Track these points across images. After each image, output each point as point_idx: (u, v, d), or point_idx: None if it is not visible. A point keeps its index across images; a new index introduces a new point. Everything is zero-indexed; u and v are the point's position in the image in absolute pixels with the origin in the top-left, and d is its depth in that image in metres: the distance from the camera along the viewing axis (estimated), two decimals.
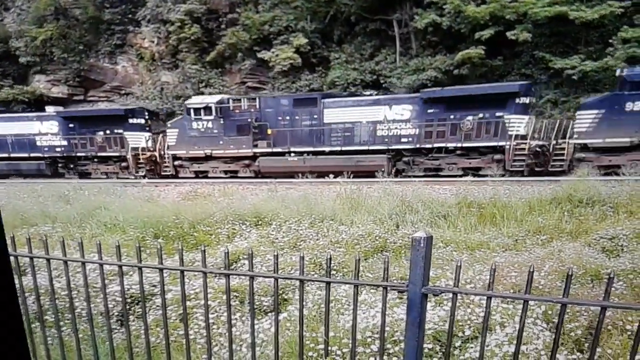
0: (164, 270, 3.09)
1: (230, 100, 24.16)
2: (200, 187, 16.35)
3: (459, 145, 20.08)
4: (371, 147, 21.38)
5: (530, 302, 4.69)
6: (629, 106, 17.47)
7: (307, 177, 17.99)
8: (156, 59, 33.33)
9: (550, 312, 4.81)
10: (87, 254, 3.20)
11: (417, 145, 20.81)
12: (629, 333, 4.31)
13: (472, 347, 4.15)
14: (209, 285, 5.19)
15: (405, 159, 21.35)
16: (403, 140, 21.08)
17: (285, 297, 5.67)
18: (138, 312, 5.16)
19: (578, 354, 4.10)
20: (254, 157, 23.55)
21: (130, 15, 33.43)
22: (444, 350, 4.14)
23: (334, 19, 29.16)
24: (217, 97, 24.90)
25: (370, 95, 24.09)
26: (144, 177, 24.96)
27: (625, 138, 17.52)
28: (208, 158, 24.28)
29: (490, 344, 4.14)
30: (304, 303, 5.05)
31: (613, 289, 5.30)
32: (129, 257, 5.82)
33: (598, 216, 8.95)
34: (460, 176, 18.79)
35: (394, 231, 8.61)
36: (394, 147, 21.19)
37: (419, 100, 20.91)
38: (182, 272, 2.98)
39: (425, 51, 27.73)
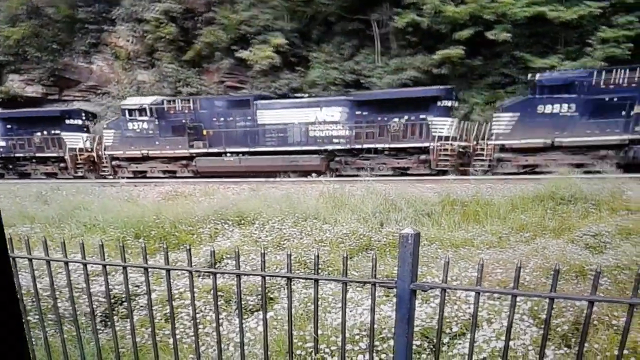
0: (149, 270, 3.05)
1: (165, 102, 24.70)
2: (181, 186, 16.24)
3: (387, 146, 21.08)
4: (304, 148, 22.14)
5: (517, 298, 4.78)
6: (540, 109, 18.87)
7: (289, 176, 18.08)
8: (132, 57, 33.09)
9: (536, 308, 4.86)
10: (68, 255, 3.15)
11: (348, 146, 21.68)
12: (615, 328, 4.40)
13: (460, 344, 4.18)
14: (194, 284, 5.18)
15: (337, 158, 22.23)
16: (335, 141, 21.94)
17: (271, 296, 5.64)
18: (122, 312, 5.11)
19: (565, 348, 4.15)
20: (190, 157, 24.12)
21: (105, 14, 33.08)
22: (432, 347, 4.18)
23: (312, 18, 29.19)
24: (152, 98, 25.42)
25: (302, 97, 24.99)
26: (82, 177, 25.59)
27: (539, 139, 18.78)
28: (146, 158, 24.77)
29: (478, 340, 4.18)
30: (292, 301, 5.08)
31: (600, 284, 5.41)
32: (110, 257, 5.75)
33: (581, 213, 9.07)
34: (390, 175, 19.92)
35: (378, 229, 8.64)
36: (326, 147, 21.94)
37: (349, 103, 21.85)
38: (167, 271, 2.96)
39: (405, 51, 27.82)
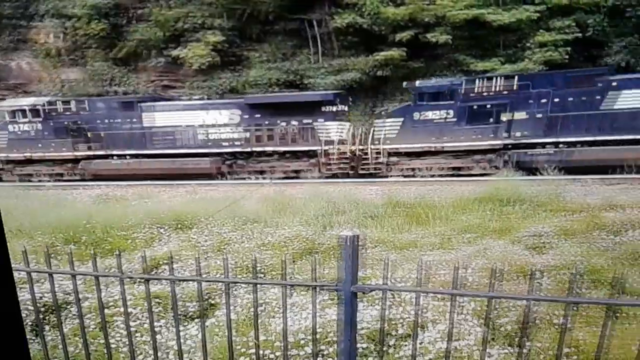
0: (78, 277, 2.94)
1: (46, 103, 24.21)
2: (113, 189, 15.76)
3: (275, 149, 21.59)
4: (193, 151, 22.31)
5: (461, 298, 4.91)
6: (419, 115, 20.38)
7: (226, 179, 17.96)
8: (62, 54, 31.93)
9: (480, 308, 5.00)
10: None
11: (239, 149, 22.02)
12: (557, 326, 4.57)
13: (406, 345, 4.25)
14: (130, 292, 5.02)
15: (228, 162, 22.41)
16: (225, 144, 22.21)
17: (213, 302, 5.55)
18: (54, 321, 4.88)
19: (509, 348, 4.29)
20: (76, 160, 23.77)
21: (31, 10, 31.91)
22: (379, 349, 4.22)
23: (250, 16, 29.04)
24: (31, 100, 25.03)
25: (192, 99, 25.42)
26: None
27: (421, 144, 20.03)
28: (31, 161, 24.19)
29: (423, 341, 4.25)
30: (233, 307, 5.01)
31: (540, 284, 5.63)
32: (38, 264, 5.50)
33: (522, 214, 9.40)
34: (284, 178, 20.43)
35: (322, 233, 8.67)
36: (216, 150, 22.18)
37: (240, 106, 22.15)
38: (97, 277, 2.87)
39: (347, 52, 28.16)
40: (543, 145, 19.03)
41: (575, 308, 4.95)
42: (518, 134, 19.29)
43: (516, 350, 4.25)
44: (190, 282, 5.04)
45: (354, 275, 2.33)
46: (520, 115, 19.17)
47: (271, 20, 29.05)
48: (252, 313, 4.90)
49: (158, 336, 4.33)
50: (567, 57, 23.42)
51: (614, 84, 18.27)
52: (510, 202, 10.11)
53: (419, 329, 4.52)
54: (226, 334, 4.35)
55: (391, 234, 8.57)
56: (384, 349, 4.29)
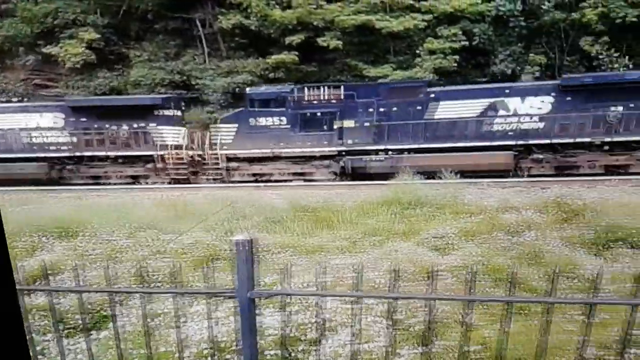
0: None
1: None
2: None
3: (109, 154, 21.49)
4: (18, 155, 21.67)
5: (370, 300, 4.95)
6: (252, 121, 21.04)
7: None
8: None
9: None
10: None
11: (67, 154, 21.71)
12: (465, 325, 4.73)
13: (316, 350, 4.21)
14: None
15: (58, 167, 22.05)
16: (51, 148, 21.76)
17: (105, 313, 5.21)
18: None
19: (420, 348, 4.37)
20: None
21: None
22: (287, 355, 4.15)
23: (127, 14, 28.37)
24: None
25: (11, 102, 24.84)
26: None
27: (255, 149, 20.85)
28: None
29: (333, 345, 4.23)
30: (129, 318, 4.75)
31: (446, 284, 5.82)
32: None
33: (426, 217, 9.74)
34: (132, 183, 20.45)
35: (225, 238, 8.47)
36: (42, 155, 21.69)
37: (63, 109, 21.81)
38: None
39: (236, 53, 28.11)
40: (376, 152, 20.35)
41: (471, 308, 5.13)
42: (350, 141, 20.45)
43: (427, 350, 4.35)
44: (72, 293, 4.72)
45: (250, 280, 2.25)
46: (349, 123, 20.39)
47: (151, 19, 28.50)
48: (150, 323, 4.71)
49: (46, 351, 4.03)
50: (455, 64, 24.57)
51: (432, 95, 20.02)
52: (413, 205, 10.42)
53: (329, 332, 4.52)
54: (121, 346, 4.13)
55: (298, 239, 8.59)
56: (293, 355, 4.24)
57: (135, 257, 7.42)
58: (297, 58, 25.54)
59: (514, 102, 19.44)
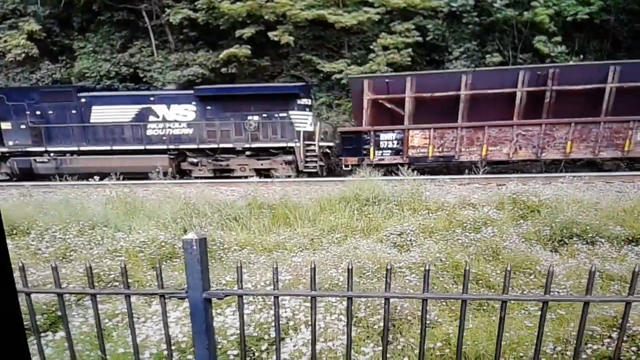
0: None
1: None
2: None
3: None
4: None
5: (330, 298, 5.00)
6: None
7: (67, 180, 16.76)
8: None
9: (353, 307, 5.11)
10: None
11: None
12: (428, 322, 4.85)
13: (277, 349, 4.21)
14: None
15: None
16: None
17: (60, 314, 5.10)
18: None
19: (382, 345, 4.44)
20: None
21: None
22: (251, 355, 4.16)
23: (69, 4, 27.92)
24: None
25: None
26: None
27: None
28: None
29: (297, 343, 4.26)
30: (85, 319, 4.66)
31: (408, 281, 5.93)
32: None
33: (385, 214, 9.84)
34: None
35: (181, 236, 8.36)
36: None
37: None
38: None
39: (185, 46, 27.95)
40: (41, 153, 21.15)
41: (426, 304, 5.27)
42: (11, 142, 21.07)
43: (390, 347, 4.43)
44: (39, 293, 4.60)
45: (205, 280, 2.25)
46: (6, 125, 20.98)
47: (95, 10, 28.01)
48: (107, 324, 4.65)
49: None
50: (409, 59, 24.90)
51: (84, 100, 21.03)
52: (371, 202, 10.53)
53: (292, 331, 4.55)
54: (77, 347, 4.06)
55: (258, 236, 8.58)
56: (257, 354, 4.25)
57: (88, 256, 7.27)
58: (249, 52, 25.42)
59: (161, 109, 20.96)
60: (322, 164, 20.80)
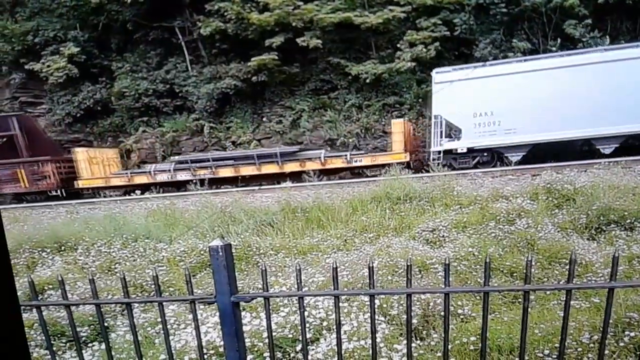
0: None
1: None
2: None
3: None
4: None
5: (364, 298, 5.06)
6: None
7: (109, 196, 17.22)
8: None
9: (385, 305, 5.19)
10: None
11: None
12: (461, 317, 4.89)
13: (313, 349, 4.32)
14: None
15: None
16: None
17: (106, 324, 5.33)
18: None
19: (418, 341, 4.51)
20: None
21: None
22: (285, 356, 4.27)
23: (107, 27, 28.60)
24: None
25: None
26: None
27: None
28: None
29: (331, 343, 4.34)
30: (129, 328, 4.86)
31: (440, 277, 5.95)
32: None
33: (417, 211, 9.84)
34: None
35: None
36: None
37: None
38: None
39: (218, 59, 28.23)
40: None
41: (449, 299, 5.28)
42: None
43: (423, 343, 4.49)
44: (83, 305, 4.84)
45: (232, 285, 2.35)
46: None
47: (130, 30, 28.58)
48: (150, 332, 4.83)
49: None
50: (434, 53, 24.63)
51: None
52: (404, 200, 10.55)
53: (326, 331, 4.64)
54: (122, 356, 4.26)
55: (292, 240, 8.68)
56: (292, 355, 4.35)
57: (132, 267, 7.51)
58: (277, 58, 25.51)
59: None
60: None
